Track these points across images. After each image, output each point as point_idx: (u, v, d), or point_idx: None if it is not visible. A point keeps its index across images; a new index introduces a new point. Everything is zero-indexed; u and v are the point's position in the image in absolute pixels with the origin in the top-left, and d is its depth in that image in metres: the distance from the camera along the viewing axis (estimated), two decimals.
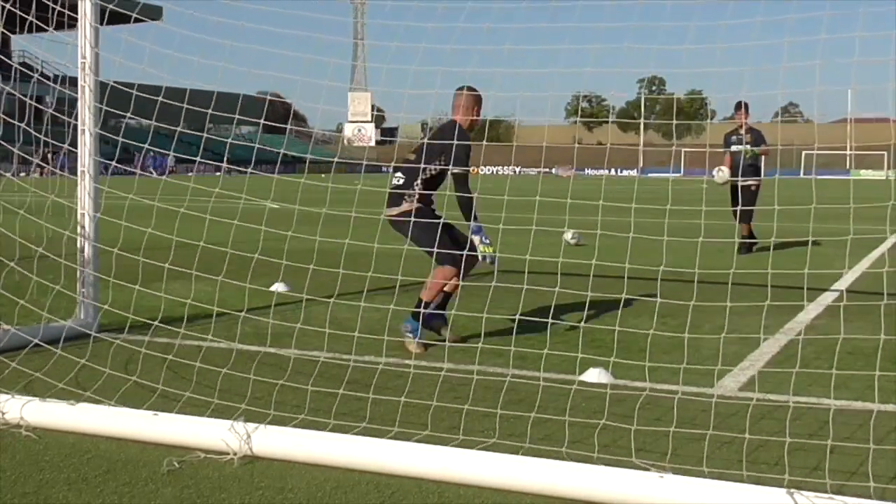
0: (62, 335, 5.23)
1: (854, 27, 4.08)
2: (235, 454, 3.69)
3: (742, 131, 12.97)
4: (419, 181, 6.13)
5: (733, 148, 13.02)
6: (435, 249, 5.84)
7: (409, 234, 6.05)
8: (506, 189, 4.85)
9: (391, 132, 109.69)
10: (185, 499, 3.28)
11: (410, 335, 6.02)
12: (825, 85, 4.22)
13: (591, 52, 4.75)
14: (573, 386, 4.78)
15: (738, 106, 13.11)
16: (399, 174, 6.25)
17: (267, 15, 5.49)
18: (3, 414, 4.09)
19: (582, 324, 6.14)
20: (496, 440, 3.80)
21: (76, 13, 5.81)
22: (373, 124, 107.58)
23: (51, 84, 6.38)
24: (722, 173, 13.11)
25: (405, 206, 6.15)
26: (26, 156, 5.62)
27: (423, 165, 6.08)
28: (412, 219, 6.04)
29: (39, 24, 5.61)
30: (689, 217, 5.38)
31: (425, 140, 6.25)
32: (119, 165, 5.99)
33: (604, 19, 4.73)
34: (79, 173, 5.90)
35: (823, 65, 4.09)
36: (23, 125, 5.46)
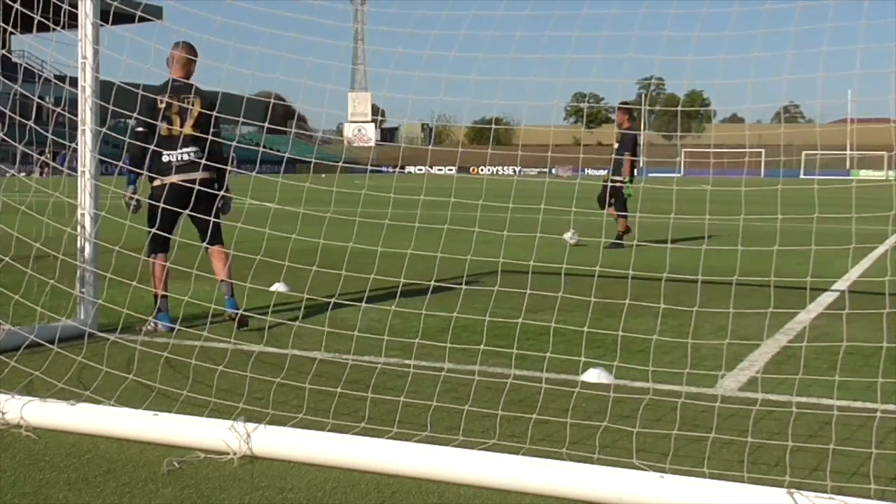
0: (60, 335, 5.23)
1: (857, 31, 4.07)
2: (235, 454, 3.69)
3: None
4: None
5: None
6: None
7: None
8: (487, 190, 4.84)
9: (391, 133, 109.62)
10: (185, 499, 3.28)
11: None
12: (826, 84, 4.22)
13: (595, 51, 4.75)
14: (574, 388, 4.77)
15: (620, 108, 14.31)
16: (191, 149, 6.52)
17: (266, 16, 5.48)
18: (3, 414, 4.09)
19: (585, 326, 6.14)
20: (496, 440, 3.80)
21: (76, 13, 5.80)
22: (373, 125, 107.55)
23: (54, 81, 6.38)
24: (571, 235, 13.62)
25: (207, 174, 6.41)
26: (30, 151, 5.61)
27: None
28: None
29: (43, 20, 5.58)
30: (689, 217, 5.38)
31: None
32: (118, 163, 6.00)
33: (606, 27, 4.74)
34: (79, 172, 5.90)
35: (827, 51, 4.09)
36: (7, 116, 5.45)
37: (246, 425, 3.76)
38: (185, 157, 6.47)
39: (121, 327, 5.35)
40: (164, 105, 6.36)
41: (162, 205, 6.27)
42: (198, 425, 3.88)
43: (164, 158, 6.45)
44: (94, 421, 4.02)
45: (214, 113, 6.45)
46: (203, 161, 6.27)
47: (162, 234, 6.15)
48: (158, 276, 6.48)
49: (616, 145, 13.84)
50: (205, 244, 6.56)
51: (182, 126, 6.47)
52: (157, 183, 6.50)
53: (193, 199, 5.75)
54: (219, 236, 6.58)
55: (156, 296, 6.50)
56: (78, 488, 3.36)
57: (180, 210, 5.95)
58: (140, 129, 6.32)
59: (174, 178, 6.43)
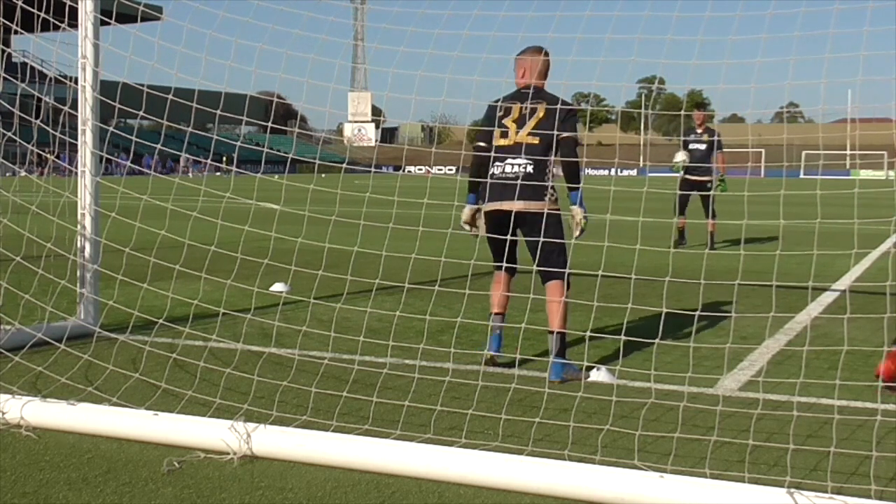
0: (63, 334, 5.23)
1: (860, 36, 4.07)
2: (235, 454, 3.69)
3: (699, 130, 13.86)
4: (550, 169, 5.35)
5: (691, 147, 13.83)
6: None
7: (539, 235, 5.15)
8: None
9: (391, 133, 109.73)
10: (185, 499, 3.28)
11: (576, 373, 5.21)
12: (828, 86, 4.23)
13: (599, 53, 4.75)
14: (575, 388, 4.77)
15: (697, 107, 14.65)
16: (521, 161, 5.36)
17: (267, 14, 5.48)
18: (3, 414, 4.09)
19: (587, 327, 6.14)
20: (497, 441, 3.80)
21: (76, 14, 5.80)
22: (373, 124, 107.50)
23: (56, 79, 6.38)
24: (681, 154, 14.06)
25: (542, 203, 5.28)
26: (35, 149, 5.62)
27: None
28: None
29: (46, 18, 5.58)
30: (691, 217, 5.38)
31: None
32: (119, 161, 5.98)
33: (609, 30, 4.75)
34: (78, 171, 5.90)
35: (830, 57, 4.11)
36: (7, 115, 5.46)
37: (246, 425, 3.76)
38: (511, 169, 5.38)
39: (131, 327, 5.34)
40: (501, 112, 5.46)
41: (487, 234, 5.49)
42: (198, 425, 3.88)
43: (492, 170, 5.42)
44: (94, 421, 4.02)
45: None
46: (531, 181, 5.28)
47: (496, 254, 5.53)
48: (493, 295, 5.60)
49: (702, 147, 13.55)
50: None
51: (518, 132, 5.41)
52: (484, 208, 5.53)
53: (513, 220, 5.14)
54: (554, 263, 5.24)
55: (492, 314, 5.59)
56: (78, 488, 3.36)
57: (503, 238, 5.23)
58: (479, 142, 5.56)
59: (488, 206, 5.44)
